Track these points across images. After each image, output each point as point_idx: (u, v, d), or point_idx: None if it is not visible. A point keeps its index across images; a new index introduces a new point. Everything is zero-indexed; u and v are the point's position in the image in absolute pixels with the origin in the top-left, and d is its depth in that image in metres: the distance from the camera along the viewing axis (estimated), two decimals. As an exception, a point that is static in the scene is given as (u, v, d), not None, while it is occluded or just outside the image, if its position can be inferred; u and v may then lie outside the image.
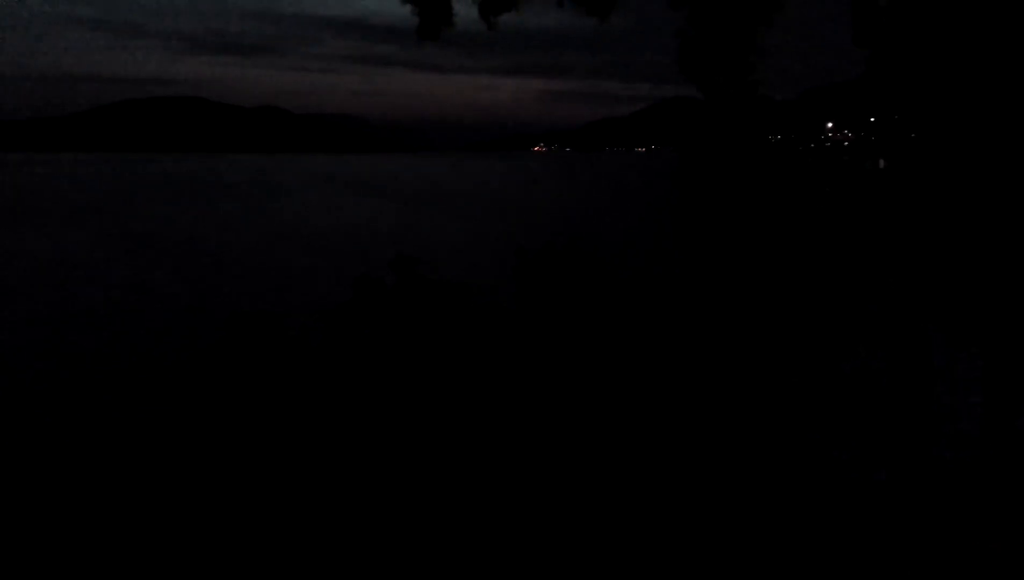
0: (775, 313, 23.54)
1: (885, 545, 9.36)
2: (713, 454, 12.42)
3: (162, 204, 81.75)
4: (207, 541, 9.82)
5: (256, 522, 10.29)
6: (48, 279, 32.19)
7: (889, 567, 8.89)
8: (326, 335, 20.29)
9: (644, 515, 10.29)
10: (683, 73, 16.93)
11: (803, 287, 28.58)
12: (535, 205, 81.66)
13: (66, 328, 22.45)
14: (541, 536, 9.77)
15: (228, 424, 14.16)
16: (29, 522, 10.44)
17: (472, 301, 19.97)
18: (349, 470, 11.95)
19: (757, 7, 16.14)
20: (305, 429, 13.77)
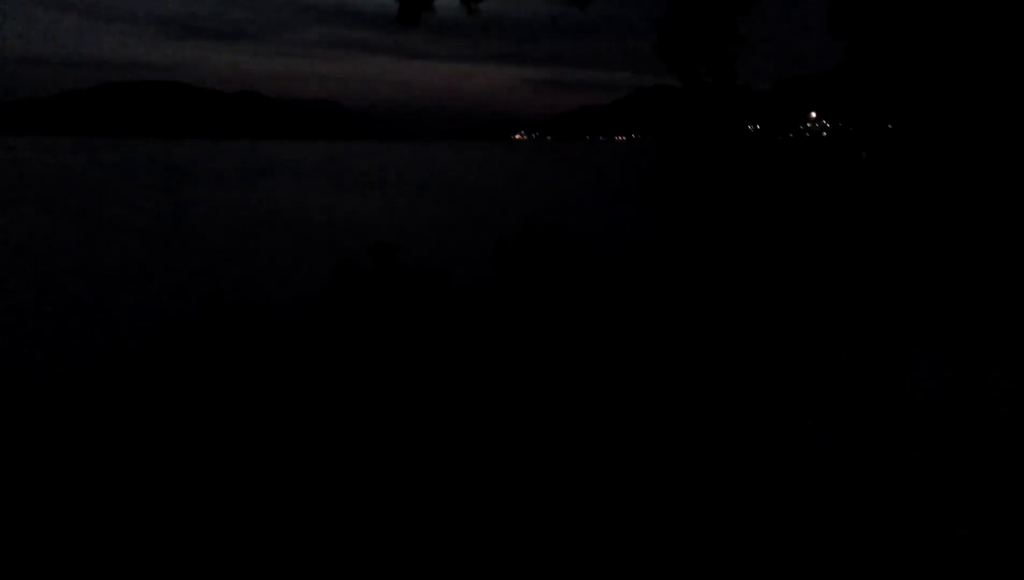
0: (756, 303, 23.64)
1: (865, 535, 9.47)
2: (697, 446, 12.50)
3: (141, 190, 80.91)
4: (189, 523, 9.80)
5: (237, 505, 10.28)
6: (29, 264, 31.84)
7: (871, 556, 9.00)
8: (304, 322, 20.21)
9: (628, 507, 10.35)
10: (663, 62, 16.95)
11: (784, 277, 28.70)
12: (515, 193, 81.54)
13: (48, 313, 22.25)
14: (527, 529, 9.81)
15: (207, 408, 14.11)
16: (13, 505, 10.38)
17: (450, 287, 19.98)
18: (328, 454, 11.94)
19: (736, -4, 16.18)
20: (283, 410, 13.74)
